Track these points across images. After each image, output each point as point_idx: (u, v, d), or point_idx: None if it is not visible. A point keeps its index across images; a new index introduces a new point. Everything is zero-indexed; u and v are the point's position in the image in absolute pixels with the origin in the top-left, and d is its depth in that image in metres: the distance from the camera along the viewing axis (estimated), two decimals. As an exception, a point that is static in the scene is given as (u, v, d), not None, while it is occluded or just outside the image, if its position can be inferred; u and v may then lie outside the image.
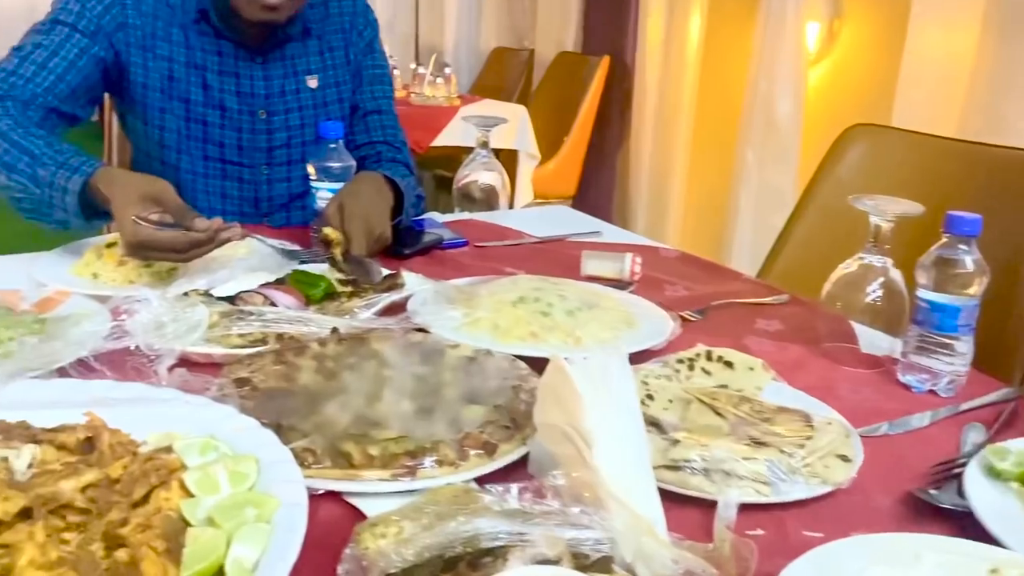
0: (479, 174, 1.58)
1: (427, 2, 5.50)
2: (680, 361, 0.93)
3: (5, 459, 0.66)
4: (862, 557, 0.62)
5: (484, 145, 1.55)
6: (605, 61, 4.00)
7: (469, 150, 1.60)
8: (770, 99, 3.16)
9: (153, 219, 1.09)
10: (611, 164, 4.19)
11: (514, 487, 0.62)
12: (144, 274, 1.14)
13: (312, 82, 1.54)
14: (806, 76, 3.14)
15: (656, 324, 1.06)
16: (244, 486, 0.66)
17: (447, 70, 3.49)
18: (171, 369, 0.89)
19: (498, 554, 0.56)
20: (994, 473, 0.75)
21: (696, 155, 3.85)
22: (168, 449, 0.69)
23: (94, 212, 1.22)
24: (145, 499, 0.65)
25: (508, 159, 3.50)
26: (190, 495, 0.65)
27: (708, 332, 1.09)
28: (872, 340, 1.05)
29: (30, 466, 0.67)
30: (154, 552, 0.57)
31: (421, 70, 3.64)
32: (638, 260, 1.28)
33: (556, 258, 1.39)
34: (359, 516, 0.68)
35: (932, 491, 0.75)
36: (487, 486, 0.63)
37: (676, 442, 0.76)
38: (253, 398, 0.80)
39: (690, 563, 0.57)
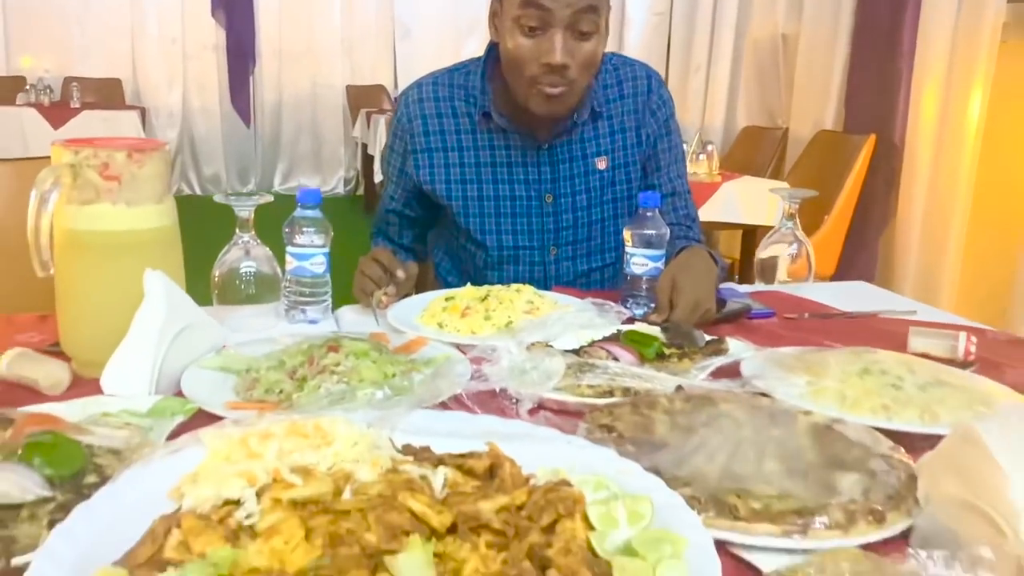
0: (781, 247, 1.56)
1: (681, 84, 5.60)
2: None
3: (425, 476, 0.73)
4: None
5: (791, 217, 1.54)
6: (870, 140, 3.86)
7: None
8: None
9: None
10: (873, 245, 4.00)
11: (938, 554, 0.60)
12: (485, 326, 1.23)
13: (601, 164, 1.58)
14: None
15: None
16: (641, 525, 0.69)
17: (709, 147, 3.52)
18: (532, 412, 0.95)
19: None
20: None
21: (973, 240, 3.59)
22: (567, 483, 0.73)
23: None
24: (551, 527, 0.69)
25: (767, 237, 3.43)
26: (590, 527, 0.69)
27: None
28: None
29: (443, 487, 0.74)
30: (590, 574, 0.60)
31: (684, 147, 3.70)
32: (973, 340, 1.21)
33: (873, 334, 1.34)
34: (742, 567, 0.69)
35: None
36: (911, 551, 0.61)
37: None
38: (621, 444, 0.84)
39: None
